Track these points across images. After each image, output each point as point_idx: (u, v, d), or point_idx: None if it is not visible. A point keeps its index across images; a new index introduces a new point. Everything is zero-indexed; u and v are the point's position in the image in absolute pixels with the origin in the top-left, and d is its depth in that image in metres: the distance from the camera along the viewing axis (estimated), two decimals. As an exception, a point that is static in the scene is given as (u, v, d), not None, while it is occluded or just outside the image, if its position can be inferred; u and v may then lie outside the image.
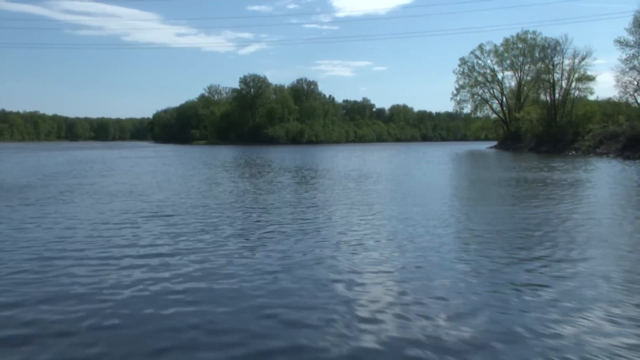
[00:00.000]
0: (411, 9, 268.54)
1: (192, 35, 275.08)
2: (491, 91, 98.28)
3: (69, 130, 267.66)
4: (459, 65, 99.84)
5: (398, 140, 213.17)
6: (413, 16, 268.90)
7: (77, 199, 20.34)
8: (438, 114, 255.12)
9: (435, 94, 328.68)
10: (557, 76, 76.54)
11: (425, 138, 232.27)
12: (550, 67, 77.19)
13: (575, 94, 75.05)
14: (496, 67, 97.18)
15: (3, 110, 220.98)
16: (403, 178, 33.17)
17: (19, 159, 59.29)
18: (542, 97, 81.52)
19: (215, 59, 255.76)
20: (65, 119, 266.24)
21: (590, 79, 76.18)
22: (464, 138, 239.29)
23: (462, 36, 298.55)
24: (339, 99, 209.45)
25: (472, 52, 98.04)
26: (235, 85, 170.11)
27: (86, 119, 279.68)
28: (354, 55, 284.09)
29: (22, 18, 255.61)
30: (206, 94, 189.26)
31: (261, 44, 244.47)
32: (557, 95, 76.27)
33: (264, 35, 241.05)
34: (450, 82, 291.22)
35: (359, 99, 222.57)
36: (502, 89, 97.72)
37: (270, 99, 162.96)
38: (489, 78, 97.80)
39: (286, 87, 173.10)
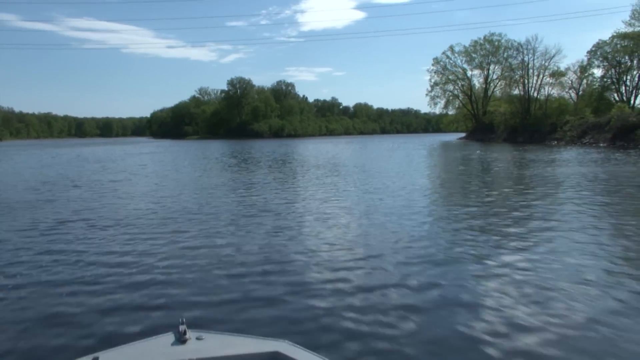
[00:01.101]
0: (363, 24, 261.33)
1: (180, 47, 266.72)
2: (461, 88, 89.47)
3: (78, 128, 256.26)
4: (432, 65, 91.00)
5: (362, 133, 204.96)
6: (365, 30, 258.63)
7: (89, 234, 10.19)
8: (393, 110, 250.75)
9: (386, 94, 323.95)
10: (530, 72, 67.51)
11: (384, 131, 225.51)
12: (523, 63, 68.03)
13: (549, 89, 66.01)
14: (465, 66, 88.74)
15: (20, 112, 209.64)
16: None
17: (25, 157, 47.35)
18: (515, 91, 72.35)
19: (200, 66, 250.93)
20: (75, 119, 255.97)
21: (562, 74, 67.47)
22: (422, 130, 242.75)
23: (406, 45, 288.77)
24: (310, 99, 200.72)
25: (443, 53, 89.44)
26: (219, 87, 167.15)
27: (93, 119, 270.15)
28: (316, 62, 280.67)
29: (35, 34, 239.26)
30: (197, 95, 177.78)
31: (239, 54, 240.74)
32: (532, 90, 67.14)
33: (241, 46, 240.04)
34: (397, 85, 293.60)
35: (326, 99, 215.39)
36: (470, 85, 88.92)
37: (254, 99, 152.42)
38: (460, 76, 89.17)
39: (267, 88, 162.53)
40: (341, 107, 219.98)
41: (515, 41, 77.50)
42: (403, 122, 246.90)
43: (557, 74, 66.16)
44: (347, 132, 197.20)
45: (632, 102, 67.12)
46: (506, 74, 77.81)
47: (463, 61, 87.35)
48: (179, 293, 6.09)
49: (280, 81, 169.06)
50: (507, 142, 64.76)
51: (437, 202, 14.70)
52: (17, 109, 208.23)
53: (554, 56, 66.70)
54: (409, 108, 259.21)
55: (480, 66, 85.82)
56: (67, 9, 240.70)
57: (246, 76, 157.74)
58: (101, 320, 5.18)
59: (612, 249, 8.07)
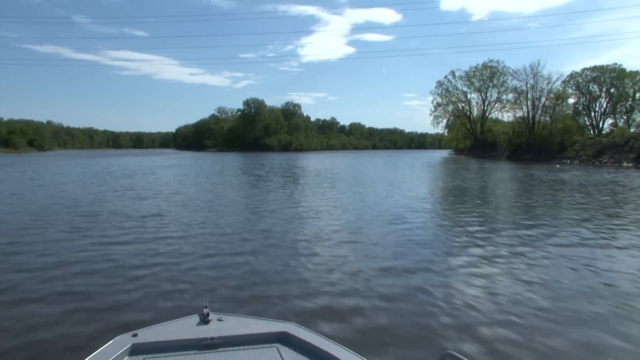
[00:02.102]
0: (353, 57, 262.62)
1: (200, 74, 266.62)
2: (461, 109, 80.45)
3: (115, 140, 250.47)
4: (436, 87, 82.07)
5: (356, 148, 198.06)
6: (354, 62, 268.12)
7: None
8: (382, 129, 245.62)
9: (372, 115, 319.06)
10: (534, 95, 58.96)
11: (374, 147, 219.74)
12: (528, 87, 59.46)
13: (555, 110, 57.14)
14: (465, 89, 79.74)
15: (68, 126, 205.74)
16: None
17: (55, 168, 37.27)
18: (516, 113, 64.15)
19: (217, 91, 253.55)
20: (112, 133, 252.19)
21: (566, 97, 58.94)
22: (406, 147, 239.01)
23: (388, 75, 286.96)
24: (311, 119, 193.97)
25: (445, 77, 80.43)
26: (233, 107, 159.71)
27: (127, 133, 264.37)
28: (314, 88, 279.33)
29: (83, 63, 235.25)
30: (216, 114, 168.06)
31: (249, 80, 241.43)
32: (538, 111, 58.38)
33: (251, 74, 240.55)
34: (381, 107, 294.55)
35: (326, 118, 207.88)
36: (470, 107, 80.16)
37: (266, 117, 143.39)
38: (460, 98, 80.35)
39: (277, 108, 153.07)
40: (339, 125, 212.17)
41: (509, 68, 71.45)
42: (390, 140, 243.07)
43: (560, 96, 57.53)
44: (343, 147, 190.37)
45: (600, 125, 65.97)
46: (503, 96, 69.54)
47: (463, 85, 79.13)
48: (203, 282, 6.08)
49: (289, 102, 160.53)
50: (511, 159, 56.19)
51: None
52: (65, 124, 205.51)
53: (555, 81, 58.88)
54: (395, 127, 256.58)
55: (478, 89, 77.40)
56: (110, 42, 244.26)
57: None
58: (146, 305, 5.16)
59: None
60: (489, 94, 76.05)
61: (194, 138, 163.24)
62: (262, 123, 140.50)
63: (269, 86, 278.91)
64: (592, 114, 67.81)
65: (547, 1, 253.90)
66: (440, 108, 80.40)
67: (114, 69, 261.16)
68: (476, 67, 75.46)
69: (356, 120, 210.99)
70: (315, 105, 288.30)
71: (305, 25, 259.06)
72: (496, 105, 74.19)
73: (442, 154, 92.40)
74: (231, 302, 5.19)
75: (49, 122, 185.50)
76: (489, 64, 74.08)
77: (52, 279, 6.06)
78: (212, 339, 2.39)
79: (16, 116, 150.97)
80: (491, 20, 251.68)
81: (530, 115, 59.21)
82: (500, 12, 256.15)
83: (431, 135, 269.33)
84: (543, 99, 58.18)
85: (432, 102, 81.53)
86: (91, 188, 19.77)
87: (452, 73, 78.17)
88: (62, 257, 7.28)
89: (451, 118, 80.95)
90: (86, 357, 2.20)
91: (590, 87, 66.58)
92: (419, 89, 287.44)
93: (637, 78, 62.05)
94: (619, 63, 64.99)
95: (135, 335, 2.43)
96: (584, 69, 67.42)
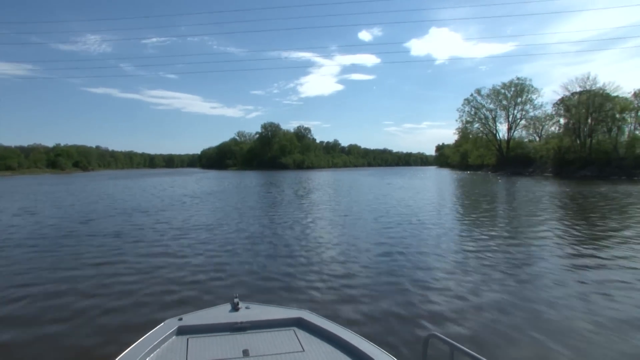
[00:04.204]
0: (343, 92, 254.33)
1: (219, 107, 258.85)
2: (487, 125, 64.52)
3: (151, 161, 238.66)
4: (462, 105, 65.97)
5: (355, 166, 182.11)
6: (344, 96, 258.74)
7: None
8: (374, 150, 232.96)
9: (359, 139, 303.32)
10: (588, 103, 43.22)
11: (369, 165, 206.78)
12: (580, 98, 43.97)
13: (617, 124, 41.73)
14: (492, 106, 63.62)
15: (112, 150, 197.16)
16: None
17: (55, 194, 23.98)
18: (559, 128, 48.29)
19: (232, 120, 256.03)
20: (149, 155, 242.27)
21: (633, 108, 43.29)
22: (394, 164, 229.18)
23: (370, 106, 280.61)
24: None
25: (471, 95, 64.51)
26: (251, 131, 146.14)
27: (161, 155, 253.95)
28: (310, 118, 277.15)
29: (128, 101, 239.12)
30: (236, 137, 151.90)
31: (259, 112, 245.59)
32: (585, 125, 42.86)
33: (260, 107, 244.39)
34: (366, 133, 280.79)
35: (329, 140, 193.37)
36: (495, 124, 64.19)
37: (281, 138, 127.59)
38: (487, 115, 64.16)
39: (291, 131, 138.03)
40: (340, 146, 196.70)
41: (533, 86, 55.83)
42: (382, 158, 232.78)
43: (626, 107, 42.06)
44: (345, 165, 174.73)
45: (586, 145, 49.97)
46: (530, 113, 54.46)
47: (489, 102, 63.14)
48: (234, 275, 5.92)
49: (300, 126, 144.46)
50: (559, 176, 40.58)
51: None
52: (110, 149, 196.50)
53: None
54: (385, 148, 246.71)
55: (505, 107, 61.41)
56: (148, 83, 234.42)
57: (259, 128, 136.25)
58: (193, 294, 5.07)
59: None
60: (515, 111, 60.52)
61: (216, 158, 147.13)
62: (278, 144, 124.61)
63: (274, 116, 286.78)
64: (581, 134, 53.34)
65: (494, 49, 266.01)
66: (467, 125, 64.72)
67: (151, 104, 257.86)
68: (503, 85, 60.34)
69: (345, 143, 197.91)
70: (313, 132, 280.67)
71: (303, 68, 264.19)
72: (521, 122, 59.20)
73: (443, 171, 76.98)
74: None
75: (97, 147, 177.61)
76: (515, 82, 59.03)
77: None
78: (241, 323, 2.37)
79: (70, 142, 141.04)
80: (451, 64, 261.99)
81: (586, 128, 43.74)
82: (458, 57, 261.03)
83: (414, 155, 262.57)
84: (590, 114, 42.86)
85: (460, 119, 66.10)
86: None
87: (478, 91, 62.90)
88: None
89: (478, 135, 64.81)
90: (141, 337, 2.18)
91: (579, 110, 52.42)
92: (395, 117, 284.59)
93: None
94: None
95: (180, 319, 2.41)
96: (573, 93, 52.69)
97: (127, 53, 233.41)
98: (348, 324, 2.87)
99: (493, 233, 9.19)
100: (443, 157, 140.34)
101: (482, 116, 63.40)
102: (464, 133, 65.69)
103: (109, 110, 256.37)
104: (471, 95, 64.29)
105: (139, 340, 2.13)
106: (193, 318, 2.43)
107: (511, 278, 5.54)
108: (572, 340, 3.65)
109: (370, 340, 2.15)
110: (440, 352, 2.82)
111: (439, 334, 1.88)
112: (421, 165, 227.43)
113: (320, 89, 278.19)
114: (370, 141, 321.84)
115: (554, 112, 52.51)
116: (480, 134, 64.08)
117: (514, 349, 3.55)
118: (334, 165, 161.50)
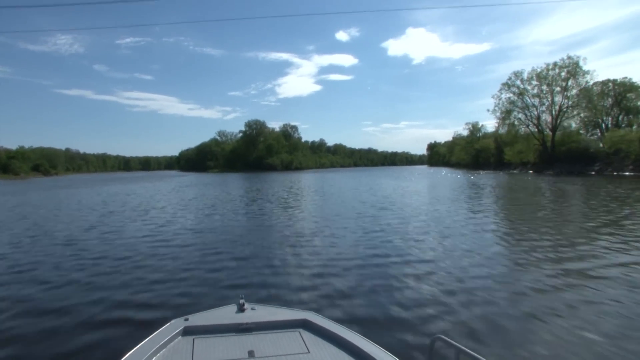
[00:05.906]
0: (320, 93, 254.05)
1: (196, 109, 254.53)
2: (529, 115, 54.07)
3: (126, 164, 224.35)
4: (499, 91, 55.67)
5: (342, 166, 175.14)
6: (322, 97, 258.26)
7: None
8: (360, 149, 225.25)
9: (339, 139, 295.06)
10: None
11: (355, 164, 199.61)
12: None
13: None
14: (535, 91, 52.75)
15: (84, 153, 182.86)
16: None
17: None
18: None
19: (210, 122, 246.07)
20: (124, 157, 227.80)
21: None
22: (380, 164, 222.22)
23: (348, 106, 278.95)
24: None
25: (509, 78, 54.29)
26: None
27: (137, 157, 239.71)
28: (289, 119, 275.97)
29: (102, 102, 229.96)
30: (217, 137, 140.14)
31: (236, 113, 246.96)
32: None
33: (238, 108, 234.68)
34: (345, 134, 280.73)
35: (315, 140, 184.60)
36: (538, 114, 53.50)
37: (267, 137, 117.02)
38: (529, 102, 53.52)
39: (277, 130, 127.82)
40: (326, 146, 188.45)
41: (584, 69, 47.25)
42: (368, 158, 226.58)
43: None
44: (332, 165, 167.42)
45: None
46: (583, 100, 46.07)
47: (533, 87, 52.49)
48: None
49: (286, 124, 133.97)
50: None
51: None
52: (81, 151, 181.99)
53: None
54: (369, 148, 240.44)
55: (551, 93, 50.63)
56: (123, 84, 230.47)
57: (240, 129, 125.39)
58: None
59: None
60: (563, 97, 49.52)
61: (196, 160, 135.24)
62: (264, 144, 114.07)
63: (252, 117, 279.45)
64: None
65: (470, 49, 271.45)
66: (504, 113, 53.88)
67: (127, 106, 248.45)
68: (547, 66, 49.63)
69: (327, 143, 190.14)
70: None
71: (281, 68, 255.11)
72: (572, 110, 49.06)
73: (441, 170, 68.65)
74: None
75: (67, 149, 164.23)
76: (561, 63, 48.21)
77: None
78: (247, 324, 2.38)
79: (39, 145, 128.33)
80: (428, 64, 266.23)
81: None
82: (434, 57, 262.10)
83: (400, 154, 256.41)
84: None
85: (497, 107, 55.58)
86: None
87: (518, 75, 52.30)
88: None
89: (517, 127, 54.14)
90: (147, 336, 2.17)
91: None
92: (374, 117, 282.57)
93: None
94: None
95: (186, 319, 2.42)
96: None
97: (101, 53, 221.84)
98: (353, 325, 3.06)
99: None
100: (437, 156, 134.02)
101: (524, 105, 52.19)
102: (509, 127, 54.37)
103: (83, 113, 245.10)
104: (509, 79, 53.92)
105: (145, 340, 2.13)
106: (199, 318, 2.46)
107: None
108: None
109: (375, 343, 2.15)
110: (446, 355, 2.84)
111: (445, 337, 1.90)
112: (407, 164, 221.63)
113: (299, 90, 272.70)
114: (350, 141, 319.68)
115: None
116: (521, 125, 53.49)
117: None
118: (322, 166, 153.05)
